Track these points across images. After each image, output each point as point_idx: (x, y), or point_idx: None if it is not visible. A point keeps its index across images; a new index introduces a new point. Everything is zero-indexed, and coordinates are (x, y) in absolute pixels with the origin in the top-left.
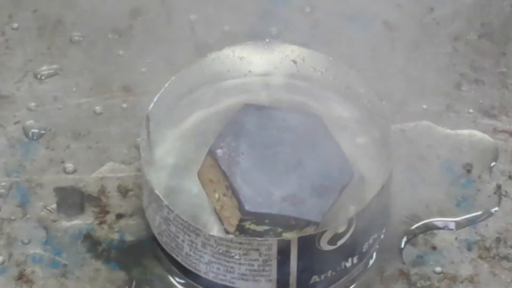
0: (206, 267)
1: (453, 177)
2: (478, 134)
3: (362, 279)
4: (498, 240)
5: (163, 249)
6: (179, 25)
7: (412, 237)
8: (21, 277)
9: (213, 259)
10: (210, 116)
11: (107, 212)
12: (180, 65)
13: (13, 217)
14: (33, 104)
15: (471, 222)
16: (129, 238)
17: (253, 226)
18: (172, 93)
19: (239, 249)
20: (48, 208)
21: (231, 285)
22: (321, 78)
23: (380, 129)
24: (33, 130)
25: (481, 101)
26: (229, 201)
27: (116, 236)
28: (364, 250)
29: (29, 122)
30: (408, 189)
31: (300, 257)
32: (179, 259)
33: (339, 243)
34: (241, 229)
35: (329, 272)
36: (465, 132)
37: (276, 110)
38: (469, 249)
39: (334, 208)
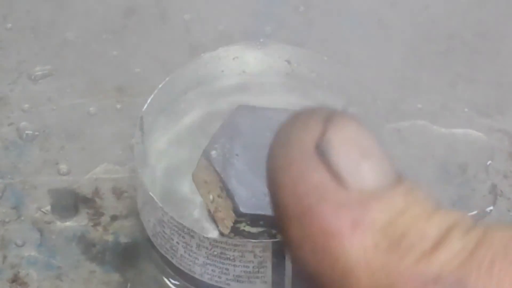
0: (201, 269)
1: (448, 176)
2: (473, 133)
3: None
4: None
5: (157, 251)
6: (173, 25)
7: None
8: (15, 279)
9: (208, 261)
10: (205, 117)
11: (102, 214)
12: (174, 66)
13: (7, 219)
14: (26, 105)
15: None
16: (123, 240)
17: (248, 228)
18: (166, 94)
19: (234, 251)
20: (42, 210)
21: (226, 287)
22: (316, 78)
23: (374, 129)
24: (27, 132)
25: (476, 100)
26: (224, 202)
27: (110, 238)
28: None
29: (23, 124)
30: None
31: None
32: (174, 261)
33: None
34: (236, 231)
35: None
36: (460, 131)
37: (271, 111)
38: None
39: None
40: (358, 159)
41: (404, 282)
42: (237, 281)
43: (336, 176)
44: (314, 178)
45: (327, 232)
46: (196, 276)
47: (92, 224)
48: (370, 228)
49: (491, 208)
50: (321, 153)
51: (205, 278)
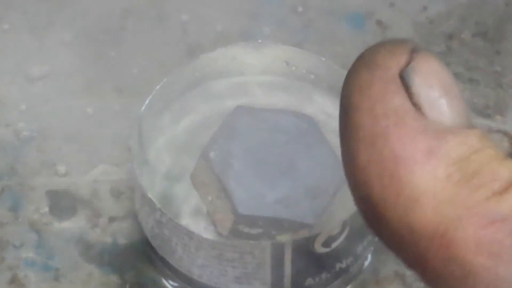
0: (199, 270)
1: None
2: None
3: (357, 281)
4: None
5: (156, 252)
6: (171, 26)
7: None
8: (13, 281)
9: (207, 262)
10: (203, 118)
11: (100, 215)
12: (172, 66)
13: (4, 221)
14: (24, 106)
15: None
16: (122, 241)
17: (246, 229)
18: (164, 95)
19: (233, 252)
20: (40, 211)
21: None
22: (314, 79)
23: None
24: (24, 133)
25: (475, 101)
26: (222, 204)
27: (109, 239)
28: (358, 252)
29: (20, 125)
30: None
31: (294, 260)
32: (172, 262)
33: (334, 245)
34: (234, 232)
35: (324, 274)
36: None
37: (269, 112)
38: None
39: (328, 210)
40: (439, 93)
41: (471, 217)
42: (236, 282)
43: (416, 104)
44: (395, 101)
45: (399, 157)
46: (195, 277)
47: (90, 225)
48: (444, 159)
49: None
50: (405, 79)
51: (204, 280)
